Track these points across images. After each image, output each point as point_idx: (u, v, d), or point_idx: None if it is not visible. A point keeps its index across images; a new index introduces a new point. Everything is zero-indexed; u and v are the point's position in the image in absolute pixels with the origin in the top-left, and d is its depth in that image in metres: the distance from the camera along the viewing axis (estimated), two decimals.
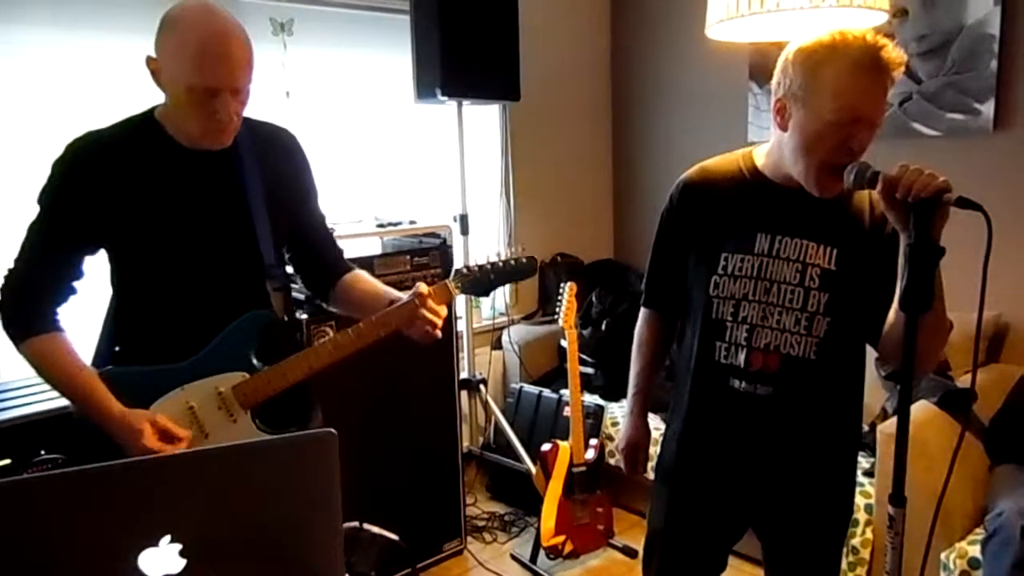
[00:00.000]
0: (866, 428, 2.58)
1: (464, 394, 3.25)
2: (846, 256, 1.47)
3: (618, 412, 3.28)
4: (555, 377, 3.64)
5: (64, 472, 0.92)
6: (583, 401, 3.01)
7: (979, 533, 2.20)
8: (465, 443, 3.24)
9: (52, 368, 1.46)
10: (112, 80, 2.63)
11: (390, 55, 3.36)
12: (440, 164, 3.55)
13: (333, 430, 1.00)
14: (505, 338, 3.73)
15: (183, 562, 0.89)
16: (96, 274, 1.56)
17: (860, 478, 2.39)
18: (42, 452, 2.02)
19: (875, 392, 2.62)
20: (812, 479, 1.58)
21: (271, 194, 1.56)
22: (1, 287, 1.49)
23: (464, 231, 3.32)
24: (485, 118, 3.75)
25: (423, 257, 2.83)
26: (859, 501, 2.42)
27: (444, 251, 2.90)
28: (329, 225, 1.77)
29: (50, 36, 2.53)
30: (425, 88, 3.06)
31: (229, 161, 1.52)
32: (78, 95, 2.58)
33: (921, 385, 2.49)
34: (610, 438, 3.18)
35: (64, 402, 2.06)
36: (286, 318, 1.61)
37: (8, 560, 0.85)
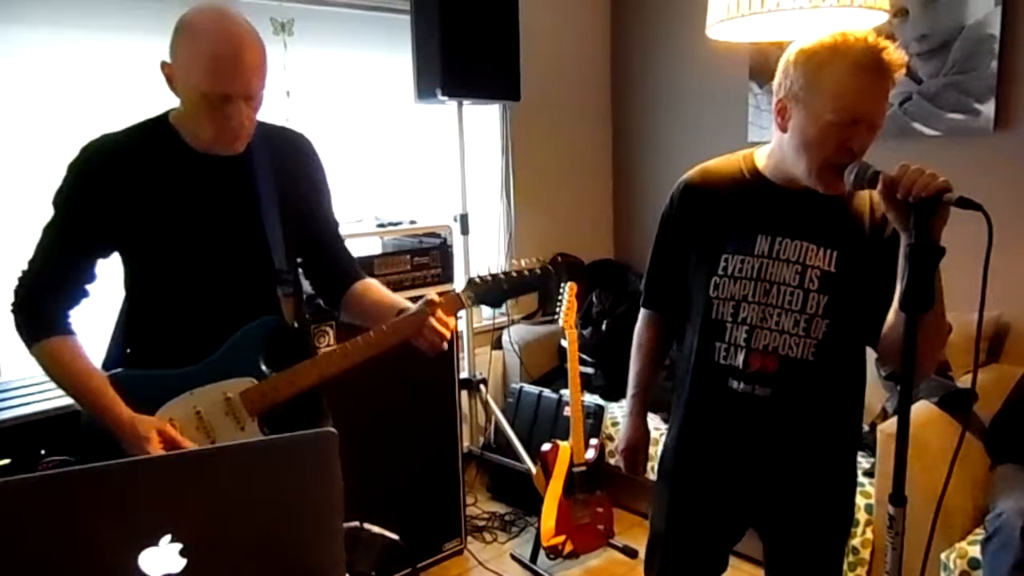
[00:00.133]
0: (866, 428, 2.58)
1: (464, 394, 3.25)
2: (846, 258, 1.47)
3: (618, 412, 3.28)
4: (555, 377, 3.64)
5: (64, 472, 0.92)
6: (583, 401, 3.01)
7: (979, 533, 2.20)
8: (465, 443, 3.24)
9: (62, 370, 1.47)
10: (112, 80, 2.63)
11: (390, 55, 3.36)
12: (440, 164, 3.55)
13: (333, 429, 1.00)
14: (505, 338, 3.73)
15: (183, 562, 0.89)
16: (109, 277, 1.56)
17: (860, 478, 2.39)
18: (42, 452, 2.02)
19: (875, 392, 2.62)
20: (812, 480, 1.58)
21: (284, 200, 1.55)
22: (15, 288, 1.49)
23: (464, 231, 3.32)
24: (485, 118, 3.75)
25: (423, 257, 2.84)
26: (859, 501, 2.42)
27: (444, 251, 2.90)
28: None
29: (50, 36, 2.53)
30: (425, 88, 3.06)
31: (242, 166, 1.52)
32: (78, 95, 2.58)
33: (921, 385, 2.49)
34: (610, 438, 3.18)
35: (64, 402, 2.09)
36: (296, 324, 1.60)
37: (8, 560, 0.85)
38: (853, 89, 1.34)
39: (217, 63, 1.35)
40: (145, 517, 0.89)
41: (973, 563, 2.16)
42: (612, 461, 3.03)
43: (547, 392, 3.45)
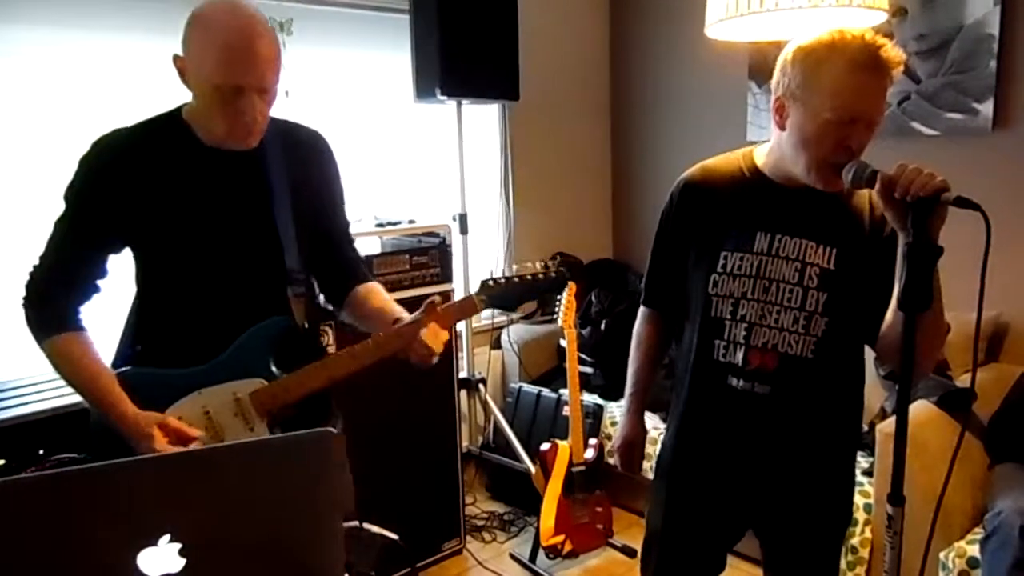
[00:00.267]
0: (865, 428, 2.58)
1: (463, 394, 3.25)
2: (845, 256, 1.47)
3: (617, 412, 3.28)
4: (554, 377, 3.64)
5: (63, 472, 0.92)
6: (582, 401, 3.01)
7: (978, 532, 2.21)
8: (464, 443, 3.24)
9: (71, 367, 1.46)
10: (112, 80, 2.62)
11: (390, 55, 3.36)
12: (439, 164, 3.55)
13: (333, 429, 1.00)
14: (504, 337, 3.73)
15: (182, 561, 0.89)
16: (120, 273, 1.55)
17: (859, 477, 2.40)
18: (41, 452, 2.02)
19: (874, 391, 2.63)
20: (811, 478, 1.58)
21: (297, 197, 1.54)
22: (26, 283, 1.48)
23: (463, 230, 3.32)
24: (484, 118, 3.75)
25: (422, 256, 2.83)
26: (858, 500, 2.42)
27: (443, 250, 2.90)
28: None
29: (50, 36, 2.53)
30: (424, 88, 3.06)
31: (255, 163, 1.50)
32: (78, 95, 2.57)
33: (920, 384, 2.49)
34: (609, 437, 3.18)
35: (64, 401, 2.09)
36: (307, 325, 1.58)
37: (8, 560, 0.85)
38: (851, 87, 1.34)
39: (229, 55, 1.33)
40: (144, 517, 0.89)
41: (972, 562, 2.16)
42: (611, 460, 3.03)
43: (546, 392, 3.45)
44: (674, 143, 3.99)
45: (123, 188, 1.44)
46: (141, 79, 2.63)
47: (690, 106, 3.90)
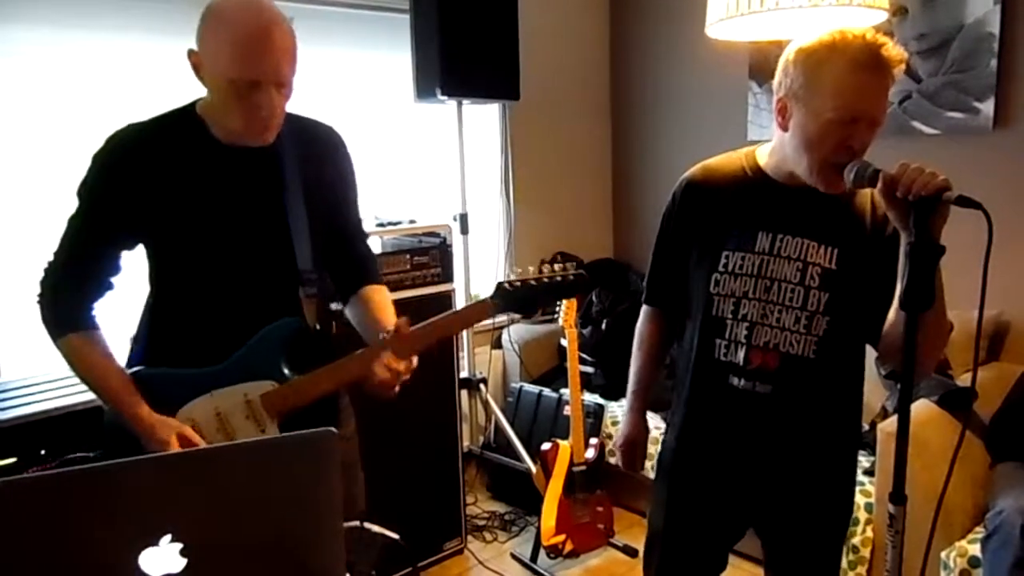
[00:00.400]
0: (866, 427, 2.58)
1: (464, 393, 3.25)
2: (847, 256, 1.47)
3: (618, 411, 3.28)
4: (555, 376, 3.64)
5: (65, 471, 0.92)
6: (583, 400, 3.01)
7: (979, 532, 2.20)
8: (465, 442, 3.24)
9: (85, 366, 1.46)
10: (112, 80, 2.62)
11: (390, 54, 3.36)
12: (440, 163, 3.55)
13: (333, 428, 1.00)
14: (505, 337, 3.73)
15: (183, 561, 0.89)
16: (135, 270, 1.55)
17: (860, 477, 2.39)
18: (42, 452, 2.02)
19: (875, 391, 2.62)
20: (812, 478, 1.58)
21: (310, 195, 1.52)
22: (40, 280, 1.48)
23: (464, 230, 3.32)
24: (485, 117, 3.75)
25: (423, 256, 2.83)
26: (859, 500, 2.42)
27: (444, 250, 2.90)
28: None
29: (50, 36, 2.53)
30: (425, 87, 3.06)
31: (269, 159, 1.48)
32: (77, 95, 2.57)
33: (921, 384, 2.49)
34: (610, 437, 3.18)
35: (64, 402, 2.10)
36: (318, 326, 1.56)
37: (8, 560, 0.85)
38: (853, 87, 1.34)
39: (245, 48, 1.31)
40: (145, 517, 0.89)
41: (973, 561, 2.16)
42: (612, 460, 3.03)
43: (547, 391, 3.45)
44: (674, 142, 3.99)
45: (137, 185, 1.43)
46: (141, 79, 2.63)
47: (690, 105, 3.90)
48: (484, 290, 3.80)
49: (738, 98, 3.62)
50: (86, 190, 1.46)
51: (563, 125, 4.05)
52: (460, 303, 3.32)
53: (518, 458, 3.16)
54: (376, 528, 2.23)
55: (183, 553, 0.89)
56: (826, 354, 1.48)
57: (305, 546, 0.98)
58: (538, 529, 2.89)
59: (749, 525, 1.69)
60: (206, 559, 0.90)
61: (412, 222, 2.95)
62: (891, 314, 1.42)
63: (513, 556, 3.07)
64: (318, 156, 1.57)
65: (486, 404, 3.37)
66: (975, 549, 2.17)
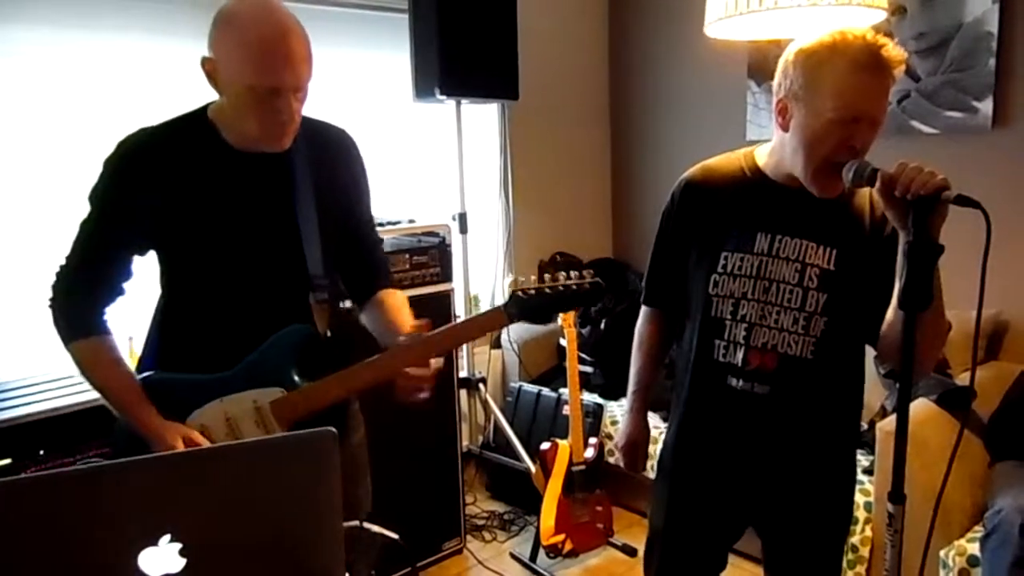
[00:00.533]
0: (865, 426, 2.58)
1: (463, 393, 3.25)
2: (846, 257, 1.47)
3: (617, 411, 3.28)
4: (554, 376, 3.64)
5: (64, 472, 0.92)
6: (582, 400, 3.01)
7: (978, 531, 2.21)
8: (464, 442, 3.24)
9: (95, 372, 1.46)
10: (112, 80, 2.62)
11: (389, 54, 3.36)
12: (439, 163, 3.55)
13: (333, 428, 1.00)
14: (504, 337, 3.72)
15: (183, 561, 0.89)
16: (146, 275, 1.55)
17: (860, 476, 2.39)
18: (41, 452, 2.02)
19: (874, 390, 2.62)
20: (811, 478, 1.58)
21: (322, 199, 1.51)
22: (52, 284, 1.48)
23: (463, 230, 3.32)
24: (484, 117, 3.75)
25: (422, 256, 2.83)
26: (858, 499, 2.42)
27: (443, 250, 2.90)
28: None
29: (50, 36, 2.53)
30: (424, 87, 3.06)
31: (280, 164, 1.47)
32: (77, 96, 2.57)
33: (920, 383, 2.49)
34: (609, 437, 3.18)
35: (64, 402, 2.09)
36: (329, 333, 1.55)
37: (8, 560, 0.85)
38: (853, 87, 1.34)
39: (264, 55, 1.30)
40: (145, 517, 0.89)
41: (972, 560, 2.16)
42: (611, 460, 3.03)
43: (546, 391, 3.45)
44: (674, 142, 3.99)
45: (148, 190, 1.42)
46: (142, 79, 2.62)
47: (690, 105, 3.90)
48: (483, 290, 3.83)
49: (737, 97, 3.62)
50: (97, 195, 1.45)
51: (562, 124, 4.05)
52: (459, 303, 3.33)
53: (517, 458, 3.16)
54: (375, 528, 2.23)
55: (182, 553, 0.89)
56: (824, 355, 1.48)
57: (305, 546, 0.98)
58: (537, 529, 2.89)
59: (749, 524, 1.69)
60: (205, 559, 0.90)
61: (411, 222, 2.95)
62: (890, 313, 1.42)
63: (512, 556, 3.07)
64: (331, 159, 1.56)
65: (485, 404, 3.37)
66: (974, 548, 2.17)
